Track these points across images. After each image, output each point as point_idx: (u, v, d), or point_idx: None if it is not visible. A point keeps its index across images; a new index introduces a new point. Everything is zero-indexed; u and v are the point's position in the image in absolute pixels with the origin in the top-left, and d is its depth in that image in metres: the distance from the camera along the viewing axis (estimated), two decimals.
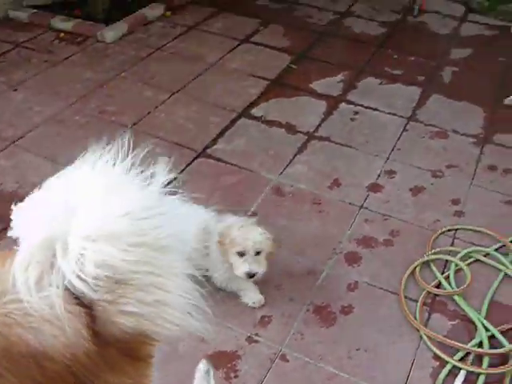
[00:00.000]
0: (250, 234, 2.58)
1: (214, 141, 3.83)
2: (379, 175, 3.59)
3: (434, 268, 2.94)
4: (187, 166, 3.58)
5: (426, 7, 5.90)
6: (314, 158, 3.74)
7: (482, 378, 2.41)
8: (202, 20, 5.41)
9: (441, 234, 3.16)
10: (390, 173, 3.62)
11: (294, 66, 4.75)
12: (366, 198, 3.40)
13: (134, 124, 3.91)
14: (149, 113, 4.05)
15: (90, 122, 3.92)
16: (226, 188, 3.43)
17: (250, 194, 3.40)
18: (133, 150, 1.42)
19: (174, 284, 1.34)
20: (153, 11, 5.35)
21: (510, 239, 3.11)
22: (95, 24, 5.01)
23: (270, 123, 4.05)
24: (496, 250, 3.08)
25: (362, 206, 3.34)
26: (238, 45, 5.04)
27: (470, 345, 2.54)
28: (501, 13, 5.75)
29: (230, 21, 5.44)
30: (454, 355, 2.50)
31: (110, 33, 4.90)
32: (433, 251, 3.02)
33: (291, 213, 3.28)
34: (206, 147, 3.76)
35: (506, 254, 3.04)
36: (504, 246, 3.09)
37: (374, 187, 3.50)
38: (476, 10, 5.90)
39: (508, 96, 4.41)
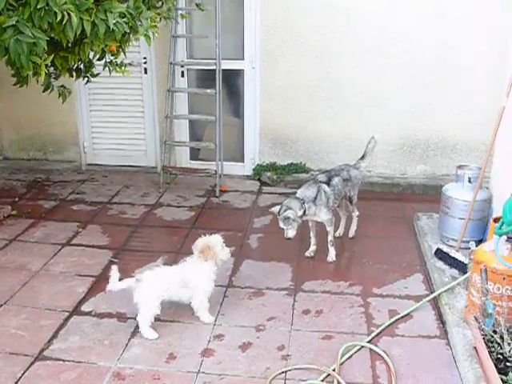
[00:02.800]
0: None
1: (49, 342, 3.92)
2: (209, 341, 3.91)
3: None
4: (25, 371, 3.62)
5: (226, 188, 6.71)
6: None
7: None
8: (21, 231, 5.63)
9: (272, 379, 3.49)
10: (219, 336, 3.95)
11: (115, 260, 5.06)
12: (201, 364, 3.67)
13: None
14: None
15: None
16: None
17: None
18: None
19: None
20: None
21: (331, 368, 3.55)
22: None
23: (101, 315, 4.24)
24: (322, 380, 3.48)
25: (198, 372, 3.59)
26: (61, 249, 5.29)
27: None
28: (287, 182, 6.81)
29: (49, 228, 5.73)
30: None
31: None
32: None
33: None
34: (42, 350, 3.83)
35: (331, 382, 3.46)
36: (329, 375, 3.51)
37: (207, 352, 3.79)
38: (268, 183, 6.85)
39: (308, 249, 5.12)
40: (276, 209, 4.81)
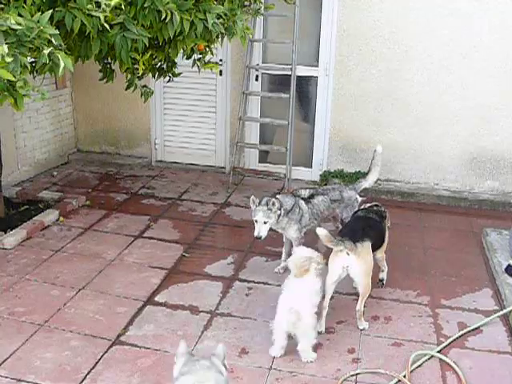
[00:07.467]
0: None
1: (125, 328, 4.08)
2: None
3: None
4: (104, 354, 3.79)
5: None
6: (220, 332, 4.08)
7: None
8: (95, 221, 5.86)
9: (344, 380, 3.57)
10: (289, 336, 4.03)
11: (187, 255, 5.22)
12: (272, 360, 3.77)
13: (46, 321, 4.10)
14: (59, 309, 4.27)
15: (0, 324, 4.06)
16: (144, 370, 3.65)
17: (168, 373, 3.62)
18: None
19: None
20: (49, 217, 5.73)
21: (402, 374, 3.60)
22: None
23: (174, 307, 4.39)
24: None
25: (270, 368, 3.70)
26: (133, 240, 5.48)
27: None
28: None
29: (121, 220, 5.94)
30: None
31: (10, 239, 5.19)
32: None
33: None
34: (119, 335, 4.00)
35: None
36: (399, 381, 3.57)
37: None
38: None
39: None
40: (256, 200, 4.58)
